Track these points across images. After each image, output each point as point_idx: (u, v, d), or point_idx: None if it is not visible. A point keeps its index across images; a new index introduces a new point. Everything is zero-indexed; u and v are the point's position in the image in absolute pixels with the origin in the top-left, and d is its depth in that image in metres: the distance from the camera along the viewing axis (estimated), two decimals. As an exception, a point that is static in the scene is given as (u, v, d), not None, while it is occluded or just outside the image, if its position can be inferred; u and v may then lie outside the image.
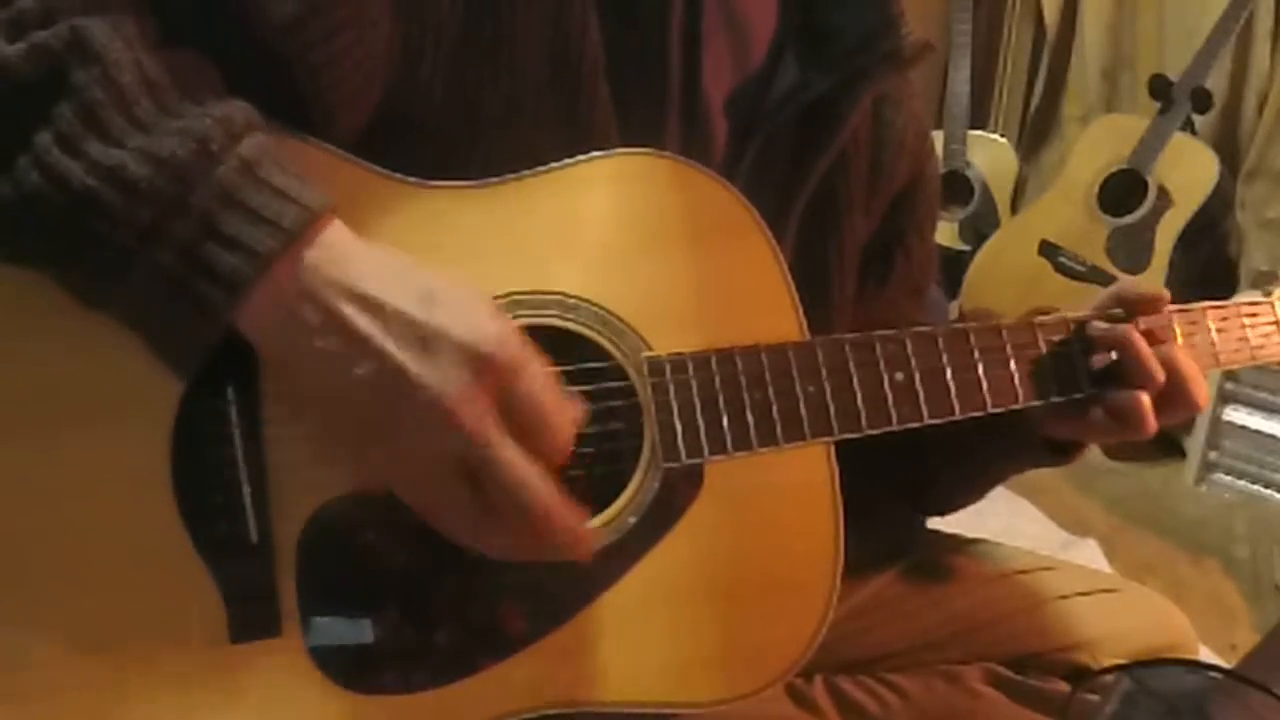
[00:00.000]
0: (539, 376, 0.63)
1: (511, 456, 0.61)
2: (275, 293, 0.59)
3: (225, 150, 0.59)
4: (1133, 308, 0.87)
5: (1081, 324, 0.85)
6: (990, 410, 0.82)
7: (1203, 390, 0.85)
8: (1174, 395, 0.84)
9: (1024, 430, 0.88)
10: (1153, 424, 0.83)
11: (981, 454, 0.92)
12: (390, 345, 0.59)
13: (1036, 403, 0.84)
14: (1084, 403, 0.85)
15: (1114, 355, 0.84)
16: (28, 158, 0.57)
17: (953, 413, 0.81)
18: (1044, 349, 0.84)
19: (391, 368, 0.59)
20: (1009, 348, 0.83)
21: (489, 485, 0.61)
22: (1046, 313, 0.87)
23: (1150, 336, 0.84)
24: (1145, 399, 0.82)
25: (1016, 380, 0.83)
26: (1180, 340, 0.88)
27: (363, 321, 0.60)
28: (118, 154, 0.57)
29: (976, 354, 0.82)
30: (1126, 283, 0.89)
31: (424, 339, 0.60)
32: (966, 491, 1.00)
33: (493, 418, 0.61)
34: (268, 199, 0.59)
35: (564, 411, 0.63)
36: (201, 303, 0.59)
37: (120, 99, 0.58)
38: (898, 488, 0.98)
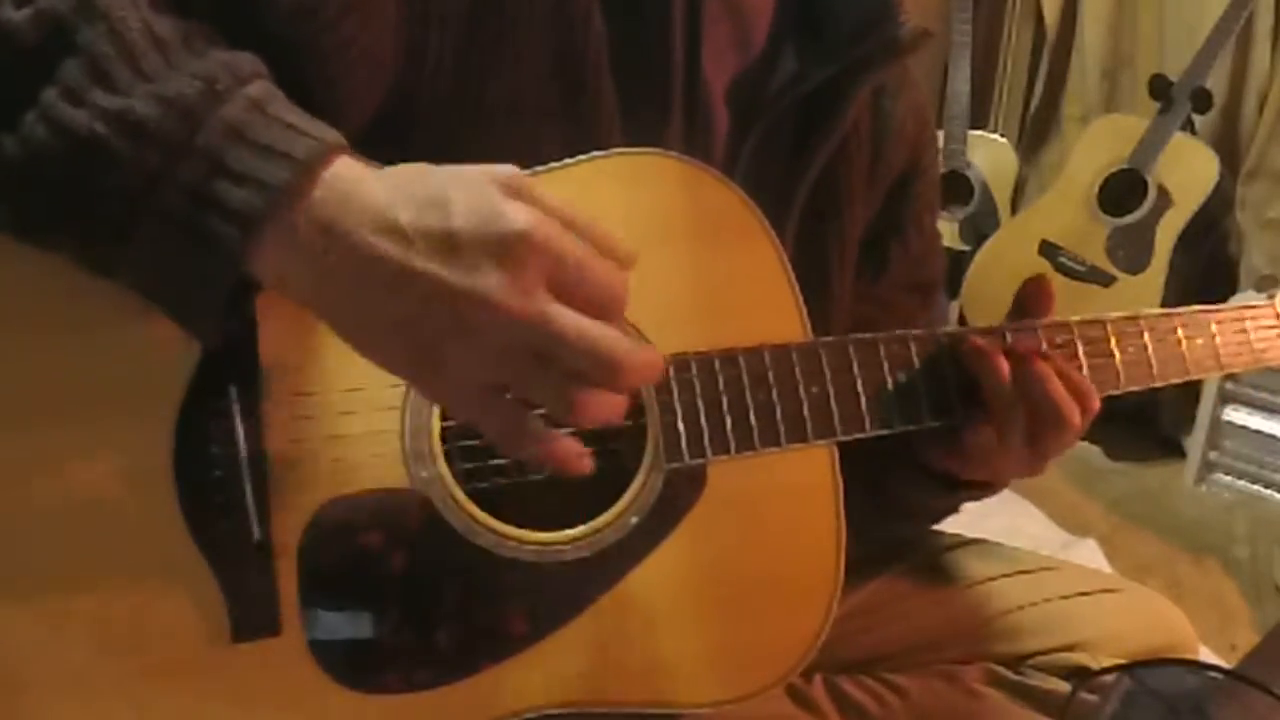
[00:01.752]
0: (575, 244, 0.58)
1: (575, 323, 0.57)
2: (290, 228, 0.57)
3: (231, 90, 0.58)
4: (1022, 309, 0.84)
5: (956, 340, 0.81)
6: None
7: (1073, 412, 0.79)
8: (1041, 419, 0.79)
9: (907, 456, 0.86)
10: (1002, 442, 0.79)
11: (876, 472, 0.89)
12: (419, 261, 0.56)
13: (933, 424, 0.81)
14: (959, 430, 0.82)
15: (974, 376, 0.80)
16: (34, 113, 0.56)
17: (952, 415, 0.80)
18: (917, 364, 0.80)
19: (428, 284, 0.56)
20: (885, 361, 0.79)
21: (566, 356, 0.57)
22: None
23: (1014, 354, 0.80)
24: (987, 430, 0.79)
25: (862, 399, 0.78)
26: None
27: (387, 246, 0.56)
28: (123, 100, 0.56)
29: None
30: (1035, 280, 0.85)
31: (451, 244, 0.56)
32: (881, 518, 0.95)
33: (543, 295, 0.57)
34: (278, 133, 0.58)
35: (608, 265, 0.59)
36: (214, 242, 0.56)
37: (126, 52, 0.57)
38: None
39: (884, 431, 0.78)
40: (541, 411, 0.58)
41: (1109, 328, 0.86)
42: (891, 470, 0.88)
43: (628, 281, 0.59)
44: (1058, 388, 0.79)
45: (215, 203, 0.56)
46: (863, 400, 0.77)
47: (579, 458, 0.61)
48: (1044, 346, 0.83)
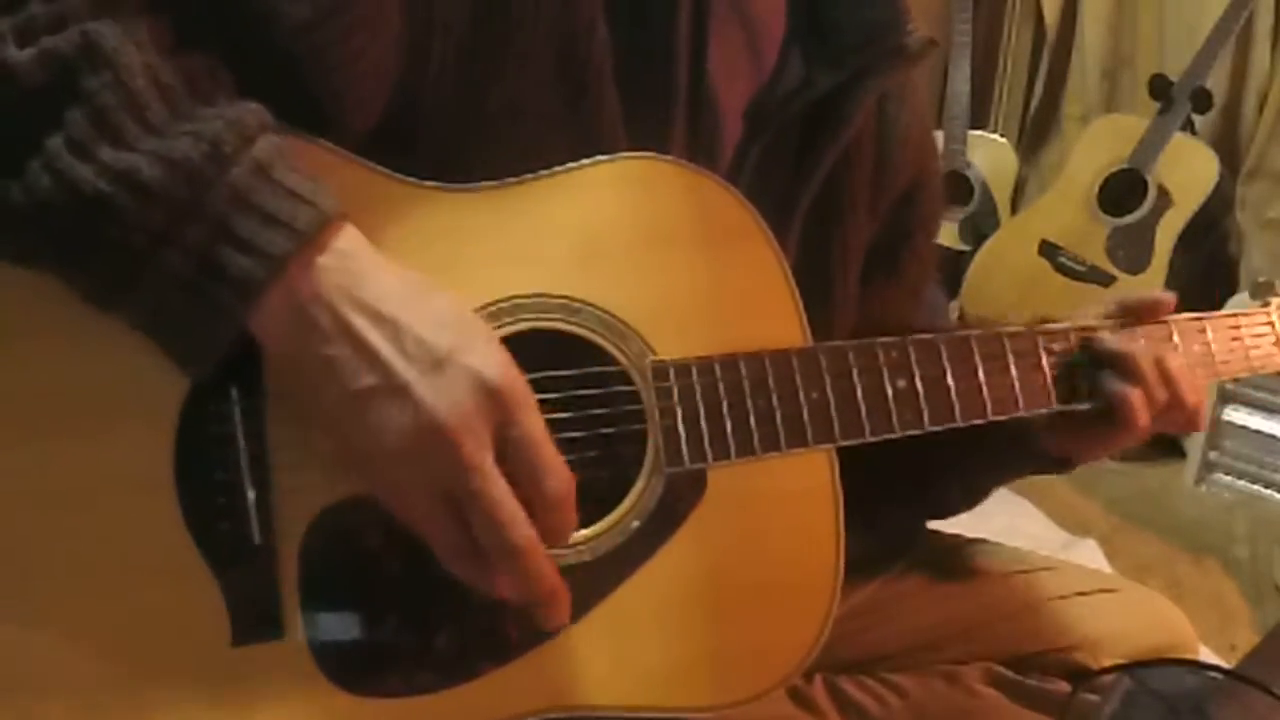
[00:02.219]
0: (539, 423, 0.62)
1: (502, 495, 0.60)
2: (288, 296, 0.59)
3: (238, 152, 0.59)
4: (1136, 314, 0.87)
5: (1087, 336, 0.86)
6: (991, 418, 0.82)
7: (1202, 404, 0.86)
8: (1172, 409, 0.85)
9: (1023, 439, 0.89)
10: (1145, 420, 0.84)
11: (980, 460, 0.93)
12: (400, 362, 0.59)
13: (1042, 410, 0.84)
14: (1083, 415, 0.86)
15: (1115, 369, 0.85)
16: (38, 162, 0.57)
17: (954, 420, 0.81)
18: (1045, 358, 0.84)
19: (398, 383, 0.59)
20: (1010, 355, 0.83)
21: (475, 519, 0.61)
22: (1051, 321, 0.88)
23: (1154, 349, 0.85)
24: (1138, 394, 0.83)
25: (1018, 388, 0.83)
26: (1180, 351, 0.88)
27: (374, 334, 0.60)
28: (130, 157, 0.57)
29: (979, 361, 0.82)
30: (1131, 290, 0.89)
31: (436, 361, 0.60)
32: (963, 497, 1.00)
33: (490, 452, 0.60)
34: (281, 201, 0.59)
35: (560, 463, 0.63)
36: (215, 305, 0.59)
37: (132, 103, 0.58)
38: (896, 492, 0.98)
39: (886, 436, 0.78)
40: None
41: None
42: (985, 452, 0.91)
43: (571, 497, 0.63)
44: (1185, 378, 0.85)
45: (218, 269, 0.58)
46: (862, 405, 0.77)
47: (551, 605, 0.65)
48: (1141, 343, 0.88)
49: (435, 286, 0.63)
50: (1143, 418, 0.84)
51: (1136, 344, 0.85)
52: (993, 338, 0.83)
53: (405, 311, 0.60)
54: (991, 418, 0.82)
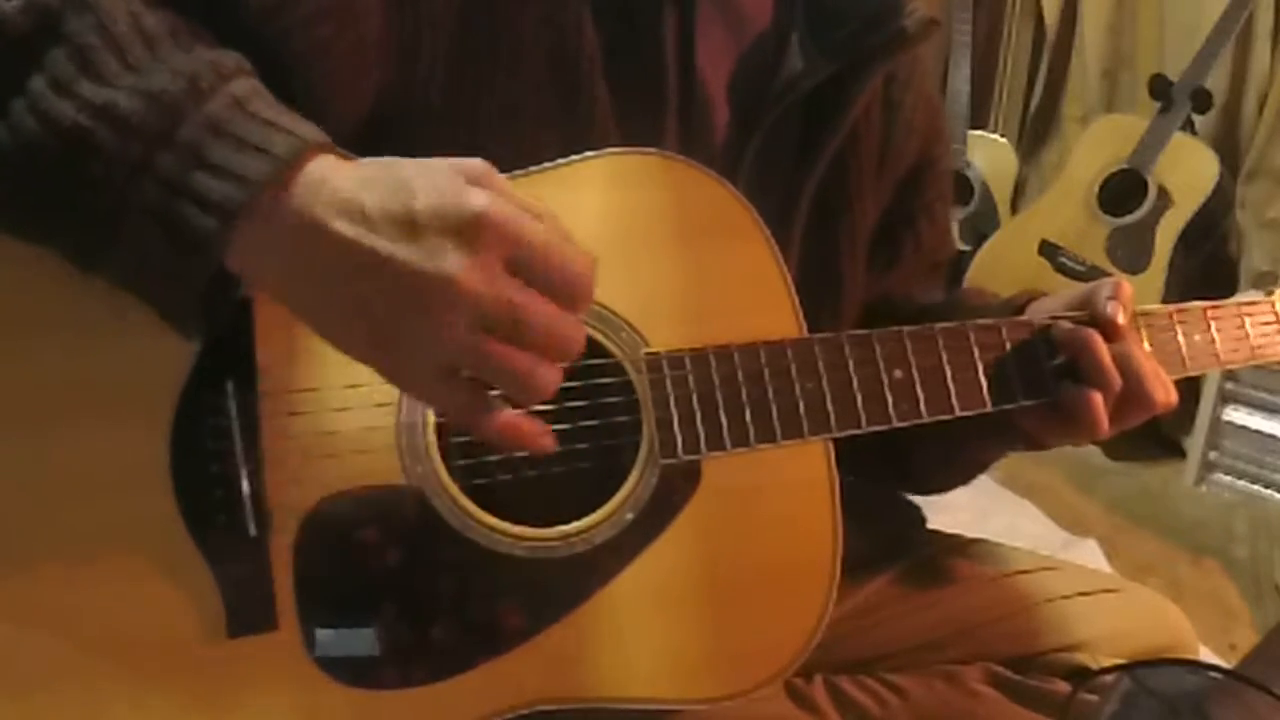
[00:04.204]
0: (537, 227, 0.60)
1: (535, 305, 0.59)
2: (265, 219, 0.58)
3: (215, 88, 0.59)
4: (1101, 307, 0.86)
5: (1045, 325, 0.85)
6: (991, 409, 0.82)
7: (1160, 390, 0.83)
8: (1131, 397, 0.83)
9: (1000, 414, 0.87)
10: (1104, 424, 0.82)
11: (958, 434, 0.92)
12: (380, 242, 0.57)
13: (1027, 403, 0.83)
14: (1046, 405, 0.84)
15: (1073, 357, 0.83)
16: (23, 103, 0.57)
17: (951, 410, 0.81)
18: (1009, 348, 0.83)
19: (388, 265, 0.57)
20: (975, 349, 0.82)
21: (524, 335, 0.59)
22: (1035, 297, 0.87)
23: (1109, 337, 0.83)
24: (1097, 398, 0.81)
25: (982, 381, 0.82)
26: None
27: (349, 229, 0.58)
28: (108, 92, 0.57)
29: (976, 351, 0.82)
30: (1098, 283, 0.87)
31: (412, 225, 0.57)
32: (945, 471, 0.99)
33: (504, 276, 0.58)
34: (258, 128, 0.59)
35: (572, 249, 0.61)
36: (192, 233, 0.57)
37: (113, 44, 0.58)
38: (880, 467, 0.98)
39: (880, 428, 0.78)
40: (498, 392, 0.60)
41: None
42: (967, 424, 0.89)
43: (594, 269, 0.61)
44: (1149, 365, 0.83)
45: (194, 194, 0.57)
46: (858, 395, 0.77)
47: (542, 435, 0.63)
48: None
49: (396, 160, 0.61)
50: (1102, 418, 0.82)
51: (1093, 335, 0.83)
52: (991, 328, 0.83)
53: (367, 193, 0.58)
54: (991, 409, 0.82)
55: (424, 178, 0.59)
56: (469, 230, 0.57)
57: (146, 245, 0.58)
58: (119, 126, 0.57)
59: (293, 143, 0.59)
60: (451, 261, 0.57)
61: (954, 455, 0.96)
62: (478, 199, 0.58)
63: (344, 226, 0.58)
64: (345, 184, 0.59)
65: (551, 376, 0.60)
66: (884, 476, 1.00)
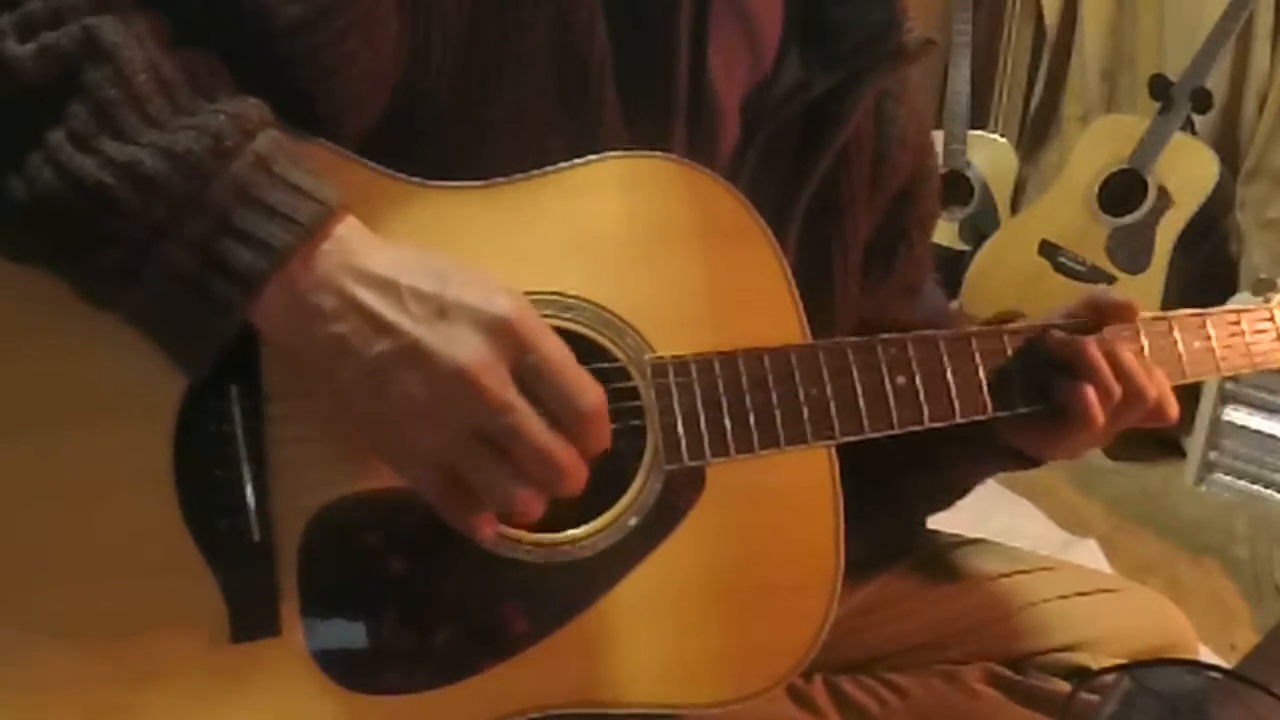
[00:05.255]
0: (558, 346, 0.62)
1: (537, 424, 0.60)
2: (289, 286, 0.59)
3: (240, 146, 0.59)
4: (1102, 316, 0.86)
5: (1044, 331, 0.85)
6: (991, 415, 0.82)
7: (1166, 396, 0.85)
8: (1125, 394, 0.83)
9: (987, 435, 0.88)
10: (1099, 419, 0.82)
11: (947, 456, 0.92)
12: (406, 320, 0.59)
13: (1024, 410, 0.84)
14: (1039, 414, 0.85)
15: (1069, 359, 0.84)
16: (40, 155, 0.57)
17: (953, 416, 0.81)
18: (1010, 354, 0.84)
19: (409, 341, 0.59)
20: (977, 355, 0.83)
21: (517, 453, 0.60)
22: (1013, 319, 0.88)
23: (1108, 346, 0.84)
24: (1090, 391, 0.82)
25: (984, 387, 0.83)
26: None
27: (377, 301, 0.59)
28: (132, 150, 0.57)
29: (978, 358, 0.82)
30: (1099, 291, 0.88)
31: (440, 310, 0.60)
32: (932, 497, 1.00)
33: (512, 385, 0.60)
34: (284, 194, 0.59)
35: (586, 378, 0.62)
36: (216, 299, 0.58)
37: (134, 96, 0.58)
38: (868, 491, 0.98)
39: (885, 433, 0.78)
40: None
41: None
42: (953, 447, 0.90)
43: (605, 405, 0.63)
44: (1141, 373, 0.84)
45: (220, 262, 0.58)
46: (861, 401, 0.77)
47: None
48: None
49: (430, 249, 0.63)
50: (1098, 415, 0.83)
51: (1087, 340, 0.83)
52: (994, 334, 0.83)
53: (402, 273, 0.60)
54: (992, 415, 0.82)
55: (463, 273, 0.61)
56: (493, 329, 0.60)
57: (165, 302, 0.59)
58: (143, 187, 0.57)
59: (318, 211, 0.60)
60: (466, 353, 0.59)
61: (942, 479, 0.97)
62: (509, 302, 0.60)
63: (373, 298, 0.59)
64: (379, 258, 0.61)
65: (532, 506, 0.62)
66: (872, 501, 1.00)
